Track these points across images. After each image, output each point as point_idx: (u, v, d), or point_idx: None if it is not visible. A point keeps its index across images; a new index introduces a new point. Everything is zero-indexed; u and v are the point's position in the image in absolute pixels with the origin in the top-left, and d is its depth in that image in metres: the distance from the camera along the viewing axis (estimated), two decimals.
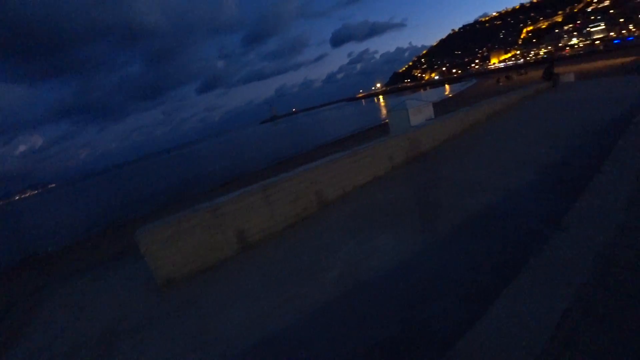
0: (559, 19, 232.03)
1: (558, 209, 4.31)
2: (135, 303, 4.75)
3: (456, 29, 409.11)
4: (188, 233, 5.09)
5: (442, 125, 10.65)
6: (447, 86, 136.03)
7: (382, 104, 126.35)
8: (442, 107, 35.68)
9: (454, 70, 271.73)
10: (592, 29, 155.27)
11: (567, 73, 22.96)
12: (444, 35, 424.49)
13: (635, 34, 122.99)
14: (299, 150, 38.87)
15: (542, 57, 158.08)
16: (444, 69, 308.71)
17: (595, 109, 10.28)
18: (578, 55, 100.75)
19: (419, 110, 14.83)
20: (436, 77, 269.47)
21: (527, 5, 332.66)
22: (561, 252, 2.54)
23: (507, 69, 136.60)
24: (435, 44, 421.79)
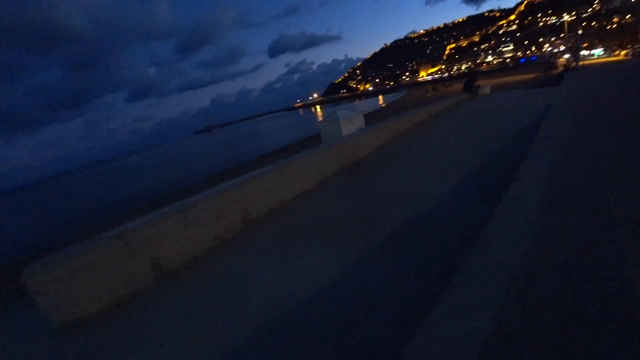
0: (477, 39, 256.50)
1: (481, 215, 4.48)
2: (30, 352, 3.80)
3: (388, 44, 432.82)
4: (91, 267, 4.31)
5: (373, 135, 10.81)
6: (380, 97, 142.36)
7: (320, 113, 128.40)
8: (376, 116, 37.02)
9: (387, 82, 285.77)
10: (503, 49, 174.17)
11: (484, 85, 25.17)
12: (377, 49, 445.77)
13: (537, 54, 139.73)
14: (238, 162, 37.11)
15: (464, 71, 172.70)
16: (377, 80, 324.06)
17: (509, 117, 11.79)
18: (493, 71, 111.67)
19: (350, 120, 15.11)
20: (370, 88, 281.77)
21: (450, 25, 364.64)
22: (481, 270, 2.54)
23: (434, 81, 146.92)
24: (369, 56, 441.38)
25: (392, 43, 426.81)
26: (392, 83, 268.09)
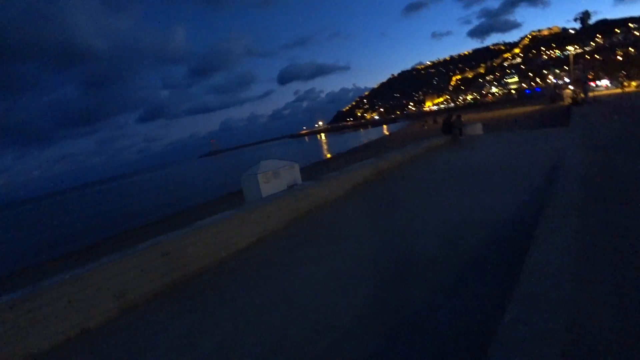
0: (482, 70, 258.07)
1: None
2: None
3: (395, 74, 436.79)
4: None
5: (298, 199, 7.65)
6: (384, 126, 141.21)
7: (324, 141, 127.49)
8: (354, 155, 34.14)
9: (394, 112, 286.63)
10: (508, 80, 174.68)
11: (475, 123, 19.41)
12: (384, 79, 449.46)
13: (542, 86, 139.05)
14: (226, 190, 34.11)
15: (468, 103, 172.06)
16: (381, 110, 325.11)
17: (483, 195, 6.63)
18: (498, 102, 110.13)
19: (275, 174, 10.48)
20: (376, 117, 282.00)
21: (456, 57, 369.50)
22: None
23: (439, 111, 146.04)
24: (377, 86, 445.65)
25: (399, 74, 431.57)
26: (398, 112, 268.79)
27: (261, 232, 6.51)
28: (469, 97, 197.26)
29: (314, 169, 31.63)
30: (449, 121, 16.87)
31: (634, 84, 60.50)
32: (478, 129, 18.18)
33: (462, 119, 17.24)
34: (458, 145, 14.98)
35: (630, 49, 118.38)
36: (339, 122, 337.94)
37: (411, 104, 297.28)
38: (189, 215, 20.85)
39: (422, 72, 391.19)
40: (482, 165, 9.57)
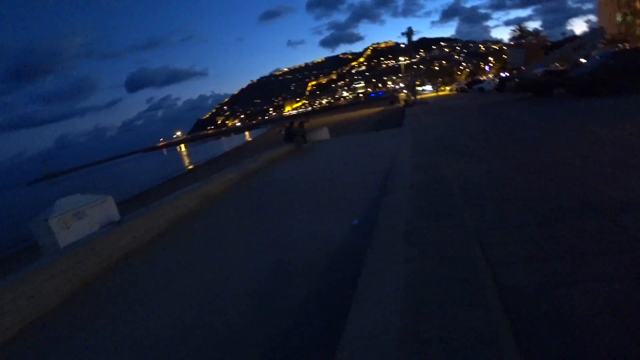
0: (334, 77, 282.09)
1: None
2: None
3: (255, 80, 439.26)
4: None
5: (101, 245, 5.21)
6: (247, 133, 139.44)
7: (184, 152, 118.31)
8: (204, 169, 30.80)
9: (257, 117, 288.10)
10: (356, 85, 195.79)
11: (321, 128, 18.63)
12: (244, 85, 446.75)
13: (384, 90, 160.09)
14: None
15: (324, 106, 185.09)
16: (242, 116, 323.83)
17: (327, 212, 5.57)
18: (350, 104, 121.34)
19: (78, 215, 6.88)
20: (238, 124, 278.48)
21: (311, 64, 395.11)
22: None
23: (297, 115, 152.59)
24: (236, 92, 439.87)
25: (258, 79, 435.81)
26: (259, 118, 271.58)
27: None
28: (324, 101, 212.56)
29: (166, 187, 27.65)
30: (290, 129, 15.63)
31: (447, 88, 75.46)
32: (324, 133, 17.13)
33: (306, 125, 15.96)
34: (301, 153, 13.49)
35: (443, 61, 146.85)
36: (199, 131, 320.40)
37: (271, 109, 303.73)
38: None
39: (280, 78, 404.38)
40: (320, 178, 8.18)
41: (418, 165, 6.29)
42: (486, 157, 6.37)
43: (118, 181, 59.57)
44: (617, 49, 15.28)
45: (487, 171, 5.34)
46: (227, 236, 5.56)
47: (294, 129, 15.38)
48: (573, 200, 3.55)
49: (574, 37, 37.87)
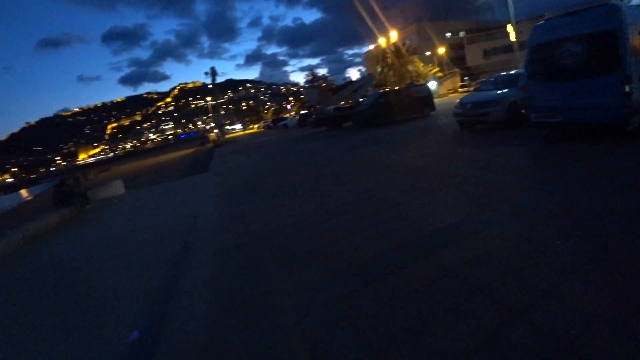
0: (139, 118, 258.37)
1: None
2: None
3: (33, 122, 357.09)
4: None
5: None
6: (23, 190, 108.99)
7: None
8: None
9: (39, 169, 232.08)
10: (164, 127, 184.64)
11: (113, 181, 14.26)
12: (16, 129, 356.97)
13: (195, 130, 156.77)
14: None
15: (128, 151, 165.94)
16: (14, 169, 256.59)
17: (104, 305, 3.47)
18: (158, 147, 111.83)
19: None
20: (9, 180, 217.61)
21: (109, 104, 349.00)
22: None
23: (97, 164, 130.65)
24: (5, 138, 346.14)
25: (37, 121, 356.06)
26: (42, 170, 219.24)
27: None
28: (129, 145, 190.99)
29: None
30: (61, 188, 11.22)
31: (255, 126, 80.00)
32: (118, 188, 13.16)
33: (84, 180, 12.18)
34: (81, 219, 9.31)
35: (250, 101, 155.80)
36: None
37: (58, 158, 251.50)
38: None
39: (70, 119, 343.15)
40: (98, 259, 5.13)
41: (225, 219, 5.63)
42: (294, 196, 6.18)
43: None
44: (382, 90, 19.62)
45: (299, 219, 4.77)
46: None
47: (68, 188, 11.00)
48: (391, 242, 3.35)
49: (352, 81, 46.91)
